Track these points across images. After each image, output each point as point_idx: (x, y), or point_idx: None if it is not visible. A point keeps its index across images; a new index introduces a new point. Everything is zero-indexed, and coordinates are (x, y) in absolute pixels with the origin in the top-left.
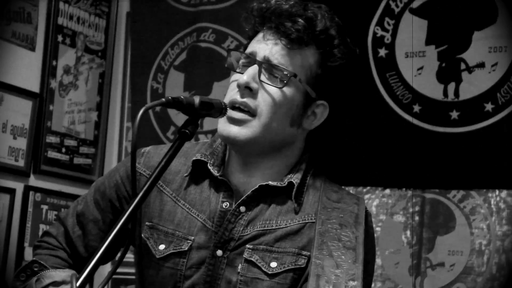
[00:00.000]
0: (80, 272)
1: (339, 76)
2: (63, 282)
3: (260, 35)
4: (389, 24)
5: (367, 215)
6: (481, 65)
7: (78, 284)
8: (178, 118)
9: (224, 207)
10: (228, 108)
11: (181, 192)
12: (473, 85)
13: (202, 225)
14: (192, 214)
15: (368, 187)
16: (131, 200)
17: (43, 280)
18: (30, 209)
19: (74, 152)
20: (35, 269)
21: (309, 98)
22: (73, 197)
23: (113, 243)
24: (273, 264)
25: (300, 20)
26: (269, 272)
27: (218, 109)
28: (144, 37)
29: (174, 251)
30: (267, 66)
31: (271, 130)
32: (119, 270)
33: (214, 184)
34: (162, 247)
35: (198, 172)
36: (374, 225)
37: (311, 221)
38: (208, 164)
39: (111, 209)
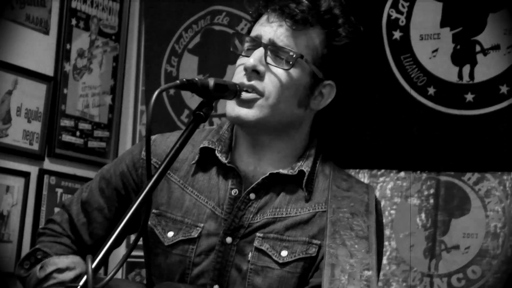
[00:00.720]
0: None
1: (346, 55)
2: (67, 269)
3: (264, 17)
4: (403, 7)
5: (377, 203)
6: (496, 47)
7: (93, 266)
8: (192, 101)
9: (233, 194)
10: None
11: (188, 179)
12: (488, 68)
13: (211, 212)
14: (200, 201)
15: (383, 170)
16: (145, 183)
17: (46, 268)
18: (44, 192)
19: (88, 135)
20: (39, 256)
21: (316, 78)
22: (88, 180)
23: (125, 229)
24: (284, 253)
25: (304, 0)
26: (280, 261)
27: (232, 91)
28: (158, 20)
29: (184, 238)
30: (273, 48)
31: (279, 111)
32: (134, 253)
33: (222, 171)
34: (170, 234)
35: (205, 159)
36: (389, 208)
37: (321, 210)
38: (216, 151)
39: (116, 198)
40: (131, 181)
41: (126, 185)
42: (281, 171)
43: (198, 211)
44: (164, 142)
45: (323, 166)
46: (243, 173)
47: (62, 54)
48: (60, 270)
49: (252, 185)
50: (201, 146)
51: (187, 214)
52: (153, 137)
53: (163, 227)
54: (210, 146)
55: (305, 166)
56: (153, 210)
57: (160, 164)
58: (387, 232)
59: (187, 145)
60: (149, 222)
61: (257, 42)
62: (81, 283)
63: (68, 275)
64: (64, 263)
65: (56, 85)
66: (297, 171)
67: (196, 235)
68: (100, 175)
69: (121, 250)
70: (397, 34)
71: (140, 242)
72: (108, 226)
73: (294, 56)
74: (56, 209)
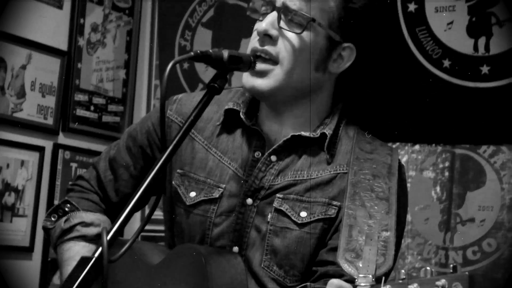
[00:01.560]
0: (111, 219)
1: (365, 17)
2: (92, 224)
3: None
4: None
5: (400, 166)
6: None
7: (108, 237)
8: (206, 75)
9: (256, 156)
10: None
11: (213, 140)
12: (504, 39)
13: (234, 173)
14: (223, 162)
15: (397, 143)
16: (162, 151)
17: (71, 220)
18: (59, 167)
19: (102, 110)
20: (67, 209)
21: (333, 41)
22: None
23: (144, 193)
24: (303, 214)
25: None
26: (299, 222)
27: (246, 63)
28: None
29: (205, 198)
30: (286, 12)
31: (295, 76)
32: (149, 227)
33: (246, 133)
34: (193, 194)
35: (230, 121)
36: None
37: (343, 171)
38: (241, 113)
39: (142, 155)
40: (156, 140)
41: (151, 143)
42: (303, 133)
43: (220, 172)
44: (189, 101)
45: (347, 129)
46: (266, 136)
47: (75, 28)
48: (85, 224)
49: (273, 147)
50: (226, 107)
51: (210, 174)
52: (179, 96)
53: (186, 187)
54: (235, 107)
55: (328, 129)
56: (178, 170)
57: (178, 131)
58: None
59: (212, 105)
60: (173, 182)
61: (271, 6)
62: (96, 255)
63: (92, 230)
64: (89, 218)
65: (70, 59)
66: (319, 133)
67: (217, 196)
68: (127, 133)
69: (136, 223)
70: (412, 7)
71: (155, 216)
72: (133, 183)
73: (306, 20)
74: None
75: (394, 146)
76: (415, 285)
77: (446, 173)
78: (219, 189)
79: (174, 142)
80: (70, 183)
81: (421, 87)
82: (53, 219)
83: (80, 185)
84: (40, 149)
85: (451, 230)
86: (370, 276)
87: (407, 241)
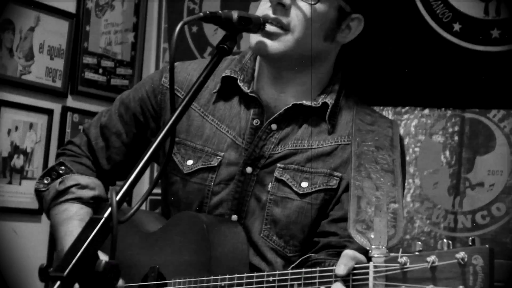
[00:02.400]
0: (104, 185)
1: None
2: (87, 187)
3: None
4: None
5: (401, 139)
6: None
7: (117, 198)
8: (215, 38)
9: (254, 124)
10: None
11: (209, 107)
12: None
13: (232, 141)
14: (221, 130)
15: (407, 107)
16: (172, 112)
17: (66, 181)
18: (68, 130)
19: (111, 73)
20: (61, 171)
21: (343, 12)
22: None
23: (149, 159)
24: (304, 184)
25: None
26: (300, 192)
27: (256, 24)
28: None
29: (203, 166)
30: None
31: (304, 45)
32: (158, 191)
33: (244, 100)
34: (190, 162)
35: (227, 89)
36: (413, 146)
37: (344, 142)
38: (238, 80)
39: (134, 123)
40: (149, 107)
41: (145, 111)
42: (304, 102)
43: (218, 140)
44: (184, 69)
45: (347, 100)
46: (265, 103)
47: None
48: (80, 186)
49: (274, 115)
50: (223, 75)
51: (207, 142)
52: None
53: (182, 155)
54: (232, 75)
55: (329, 98)
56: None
57: (184, 96)
58: (411, 169)
59: None
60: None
61: None
62: (106, 215)
63: (88, 193)
64: (85, 181)
65: (78, 22)
66: (320, 103)
67: (216, 164)
68: (119, 100)
69: (144, 186)
70: None
71: None
72: (125, 151)
73: None
74: None
75: (403, 110)
76: (433, 257)
77: (456, 138)
78: (218, 157)
79: (184, 102)
80: (60, 148)
81: (431, 51)
82: (46, 181)
83: (71, 149)
84: (49, 112)
85: (460, 195)
86: (384, 247)
87: (416, 206)
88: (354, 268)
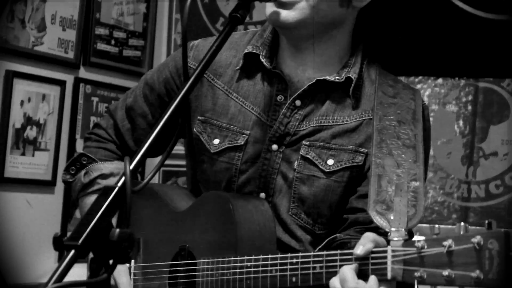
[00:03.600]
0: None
1: None
2: (111, 175)
3: None
4: None
5: (424, 108)
6: None
7: (131, 167)
8: (227, 8)
9: (278, 100)
10: None
11: (233, 84)
12: None
13: (257, 118)
14: (246, 107)
15: (420, 77)
16: (185, 81)
17: (91, 173)
18: (80, 101)
19: (123, 44)
20: (84, 162)
21: None
22: (123, 89)
23: (162, 131)
24: (330, 162)
25: None
26: (326, 170)
27: None
28: None
29: (230, 145)
30: None
31: (320, 11)
32: (170, 162)
33: (267, 76)
34: (216, 141)
35: (250, 65)
36: None
37: (368, 117)
38: (261, 56)
39: (160, 104)
40: (174, 87)
41: (169, 91)
42: (328, 78)
43: (243, 118)
44: (207, 47)
45: (369, 71)
46: (288, 78)
47: None
48: (104, 176)
49: (298, 92)
50: (245, 51)
51: (232, 120)
52: (195, 42)
53: (208, 134)
54: (254, 51)
55: (352, 72)
56: (199, 117)
57: (197, 67)
58: None
59: (230, 49)
60: (194, 129)
61: None
62: (119, 184)
63: (112, 181)
64: (108, 169)
65: None
66: (344, 77)
67: (242, 142)
68: (144, 81)
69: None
70: None
71: (176, 151)
72: None
73: None
74: (93, 118)
75: (417, 79)
76: (450, 241)
77: (469, 107)
78: (244, 135)
79: (198, 70)
80: (87, 132)
81: (445, 19)
82: (71, 171)
83: (97, 134)
84: (61, 83)
85: (473, 164)
86: (403, 229)
87: (430, 175)
88: (373, 252)
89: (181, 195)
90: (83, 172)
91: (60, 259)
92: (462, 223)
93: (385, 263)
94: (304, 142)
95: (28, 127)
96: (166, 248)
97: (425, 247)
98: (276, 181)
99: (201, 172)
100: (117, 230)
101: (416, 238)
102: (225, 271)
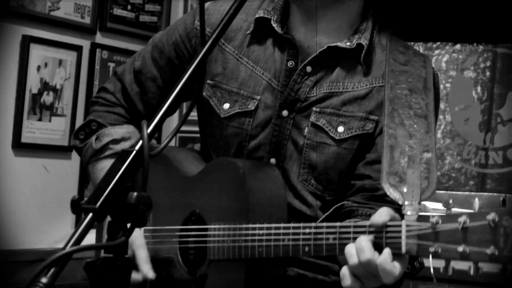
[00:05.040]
0: (139, 129)
1: None
2: (122, 139)
3: None
4: None
5: (434, 76)
6: None
7: (148, 131)
8: None
9: (289, 65)
10: None
11: (243, 49)
12: None
13: (268, 84)
14: (256, 72)
15: (438, 43)
16: (202, 45)
17: (102, 139)
18: (97, 66)
19: (139, 9)
20: (93, 127)
21: None
22: None
23: (178, 96)
24: (340, 129)
25: None
26: (336, 138)
27: None
28: None
29: (240, 110)
30: None
31: None
32: (187, 128)
33: (278, 41)
34: (226, 106)
35: (261, 30)
36: (444, 81)
37: (378, 84)
38: (272, 21)
39: (169, 67)
40: (184, 51)
41: (180, 55)
42: (339, 44)
43: (254, 83)
44: (217, 10)
45: (380, 37)
46: (299, 44)
47: None
48: (115, 141)
49: (309, 58)
50: (257, 16)
51: (242, 85)
52: (206, 5)
53: (218, 99)
54: (265, 16)
55: (363, 38)
56: (208, 81)
57: (213, 32)
58: (441, 105)
59: (241, 13)
60: (204, 93)
61: None
62: (137, 147)
63: (123, 146)
64: (118, 133)
65: None
66: (355, 44)
67: (252, 108)
68: (152, 44)
69: (174, 122)
70: None
71: (192, 117)
72: (161, 95)
73: None
74: None
75: (434, 45)
76: (464, 217)
77: (487, 73)
78: (254, 100)
79: (214, 35)
80: (93, 96)
81: None
82: (80, 136)
83: (104, 98)
84: (78, 49)
85: (491, 131)
86: (416, 203)
87: (447, 142)
88: (387, 226)
89: (190, 159)
90: (94, 137)
91: (77, 224)
92: (477, 199)
93: (399, 237)
94: (314, 108)
95: (45, 93)
96: (176, 212)
97: (440, 222)
98: (286, 147)
99: (211, 137)
100: (135, 193)
101: (431, 206)
102: (237, 238)
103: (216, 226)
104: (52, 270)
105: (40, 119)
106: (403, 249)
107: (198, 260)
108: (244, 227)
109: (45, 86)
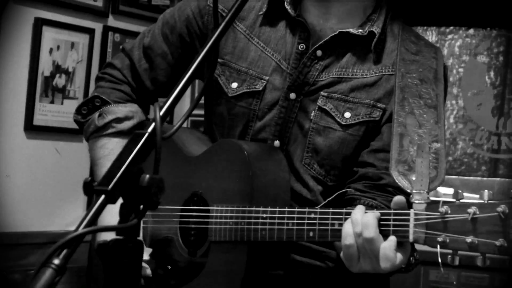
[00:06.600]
0: (145, 108)
1: None
2: (126, 118)
3: None
4: None
5: (445, 68)
6: None
7: (161, 113)
8: None
9: (300, 48)
10: None
11: (255, 29)
12: None
13: (277, 65)
14: (266, 53)
15: (451, 27)
16: (211, 32)
17: (105, 116)
18: (109, 49)
19: None
20: (97, 104)
21: None
22: None
23: (192, 76)
24: (347, 115)
25: None
26: (343, 123)
27: None
28: None
29: (248, 90)
30: None
31: None
32: (199, 112)
33: (290, 24)
34: (234, 85)
35: (273, 11)
36: (457, 66)
37: (388, 73)
38: (285, 3)
39: (180, 44)
40: (196, 28)
41: (191, 32)
42: (351, 30)
43: (263, 63)
44: None
45: (392, 26)
46: (311, 27)
47: None
48: (118, 120)
49: (320, 42)
50: None
51: (252, 65)
52: None
53: (227, 77)
54: None
55: (376, 26)
56: (218, 59)
57: (227, 12)
58: (454, 90)
59: None
60: (215, 74)
61: None
62: (149, 129)
63: (126, 125)
64: (122, 112)
65: None
66: (367, 31)
67: (260, 88)
68: (162, 20)
69: (186, 105)
70: None
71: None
72: (170, 72)
73: None
74: None
75: (448, 30)
76: (474, 208)
77: (501, 58)
78: (262, 81)
79: (228, 17)
80: (100, 71)
81: None
82: (83, 111)
83: (111, 74)
84: (90, 31)
85: (504, 116)
86: (425, 192)
87: (459, 127)
88: (395, 214)
89: (194, 139)
90: (97, 114)
91: (89, 206)
92: (486, 190)
93: (407, 225)
94: (322, 93)
95: (57, 75)
96: (177, 192)
97: (449, 212)
98: (292, 130)
99: (217, 115)
100: (147, 175)
101: (443, 191)
102: (239, 220)
103: (219, 208)
104: (65, 251)
105: (52, 102)
106: (411, 238)
107: (199, 241)
108: (247, 210)
109: (58, 68)
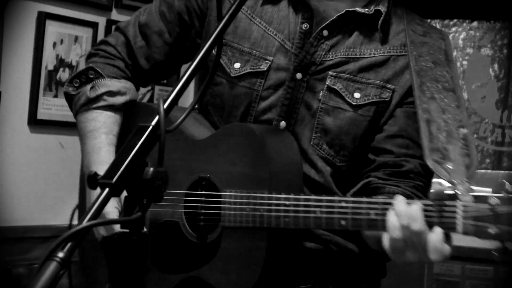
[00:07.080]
0: (138, 86)
1: None
2: (118, 93)
3: None
4: None
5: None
6: None
7: (165, 106)
8: None
9: (304, 28)
10: None
11: (256, 9)
12: None
13: (281, 45)
14: (269, 33)
15: (455, 20)
16: (219, 20)
17: (97, 88)
18: None
19: None
20: (91, 76)
21: None
22: None
23: (197, 67)
24: (357, 95)
25: None
26: (353, 103)
27: None
28: None
29: (252, 70)
30: None
31: None
32: None
33: (293, 3)
34: (237, 65)
35: None
36: (460, 59)
37: (396, 53)
38: None
39: (178, 22)
40: (195, 7)
41: (190, 10)
42: (358, 9)
43: (266, 43)
44: None
45: (395, 8)
46: (314, 7)
47: None
48: (111, 93)
49: (327, 22)
50: None
51: (254, 45)
52: None
53: (229, 58)
54: None
55: (381, 6)
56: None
57: (233, 2)
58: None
59: None
60: (213, 51)
61: None
62: (153, 123)
63: (118, 100)
64: (115, 86)
65: None
66: (373, 10)
67: (265, 68)
68: None
69: (189, 97)
70: None
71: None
72: (167, 51)
73: None
74: None
75: (451, 22)
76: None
77: (505, 50)
78: (266, 61)
79: (232, 9)
80: (93, 48)
81: None
82: (75, 84)
83: (105, 50)
84: (94, 25)
85: (508, 108)
86: (466, 182)
87: None
88: (442, 205)
89: (195, 122)
90: (89, 86)
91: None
92: (507, 182)
93: (454, 217)
94: (330, 72)
95: (61, 69)
96: (181, 176)
97: (498, 204)
98: (299, 110)
99: (216, 95)
100: (151, 168)
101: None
102: (258, 206)
103: (233, 194)
104: (69, 244)
105: (56, 96)
106: (460, 230)
107: (209, 226)
108: (267, 196)
109: (61, 62)
